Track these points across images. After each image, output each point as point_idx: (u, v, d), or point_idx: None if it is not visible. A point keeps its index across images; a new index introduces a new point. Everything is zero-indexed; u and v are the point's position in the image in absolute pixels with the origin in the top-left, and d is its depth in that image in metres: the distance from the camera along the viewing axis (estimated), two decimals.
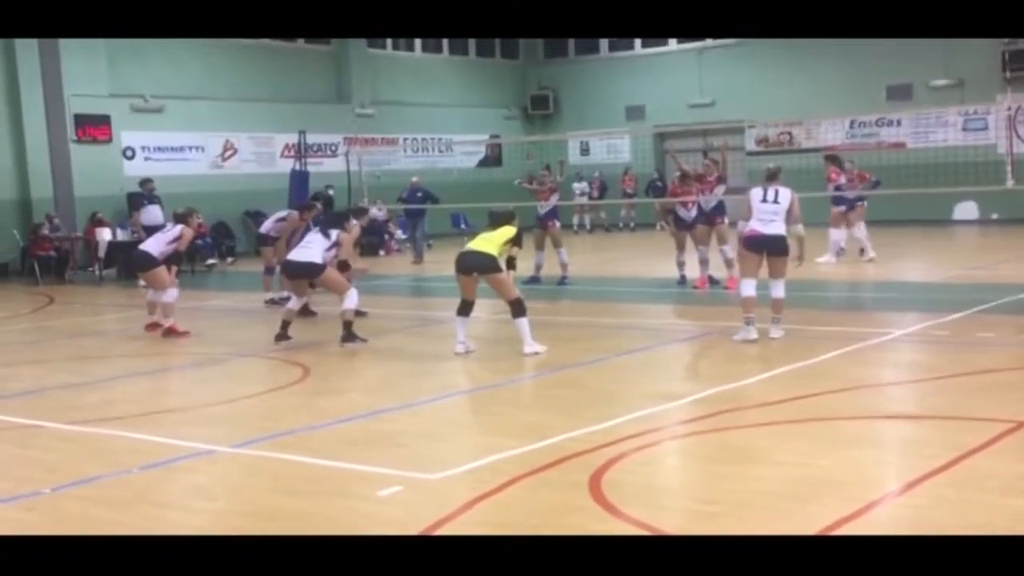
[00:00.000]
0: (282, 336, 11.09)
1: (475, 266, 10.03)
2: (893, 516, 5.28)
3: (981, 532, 4.86)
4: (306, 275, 11.15)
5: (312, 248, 11.05)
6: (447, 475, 6.13)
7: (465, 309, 10.17)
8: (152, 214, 19.65)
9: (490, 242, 10.10)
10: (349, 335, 10.82)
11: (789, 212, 10.25)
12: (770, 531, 4.95)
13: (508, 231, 10.16)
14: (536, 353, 9.87)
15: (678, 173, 15.62)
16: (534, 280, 15.87)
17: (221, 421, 8.07)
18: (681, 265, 14.96)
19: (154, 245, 12.64)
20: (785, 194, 10.28)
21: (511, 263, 10.29)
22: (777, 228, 10.19)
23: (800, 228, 10.61)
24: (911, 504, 5.39)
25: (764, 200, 10.25)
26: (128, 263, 20.61)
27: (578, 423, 7.13)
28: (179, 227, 12.65)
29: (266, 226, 15.27)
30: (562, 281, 15.74)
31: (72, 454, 7.20)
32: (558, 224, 16.49)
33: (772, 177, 10.50)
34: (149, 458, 6.84)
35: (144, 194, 20.23)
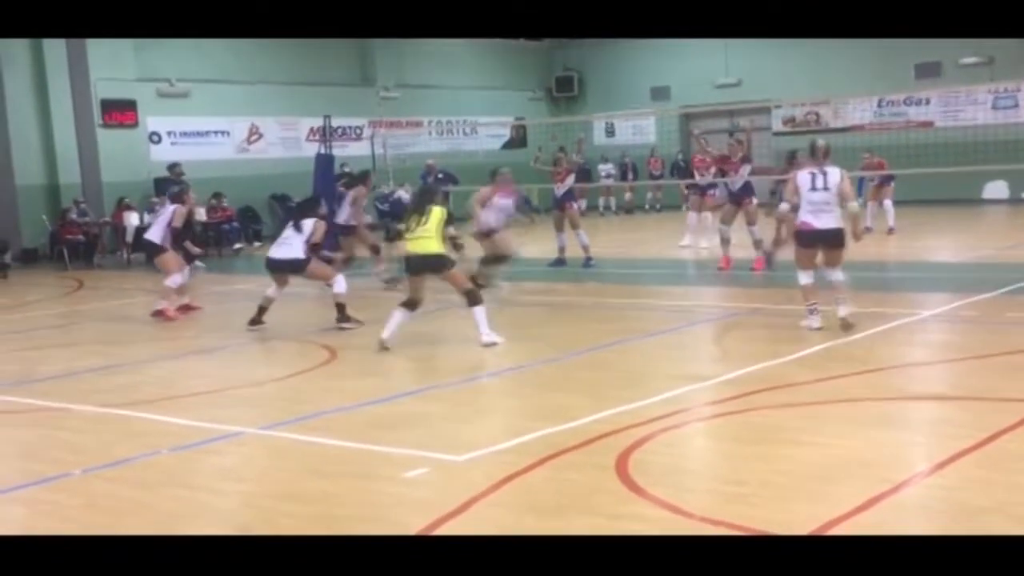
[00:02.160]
0: (256, 321, 11.21)
1: (426, 268, 9.78)
2: (921, 497, 5.25)
3: (1011, 512, 4.83)
4: (289, 271, 11.21)
5: (291, 244, 11.07)
6: (473, 456, 6.15)
7: (411, 305, 9.86)
8: None
9: (431, 239, 9.70)
10: (344, 317, 10.97)
11: (840, 193, 9.49)
12: (797, 512, 4.93)
13: (439, 213, 9.78)
14: (494, 343, 9.58)
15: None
16: (559, 263, 15.87)
17: (248, 403, 8.12)
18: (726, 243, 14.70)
19: (156, 232, 12.86)
20: (834, 175, 9.47)
21: (456, 246, 10.21)
22: (831, 220, 9.44)
23: (854, 205, 9.75)
24: (940, 485, 5.35)
25: (813, 188, 9.41)
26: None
27: (604, 405, 7.12)
28: (171, 207, 12.83)
29: (343, 216, 15.21)
30: (587, 263, 15.70)
31: (102, 436, 7.26)
32: (575, 206, 16.62)
33: (823, 155, 9.62)
34: (178, 440, 6.89)
35: (172, 179, 20.33)
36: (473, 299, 9.79)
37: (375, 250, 15.03)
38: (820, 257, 9.69)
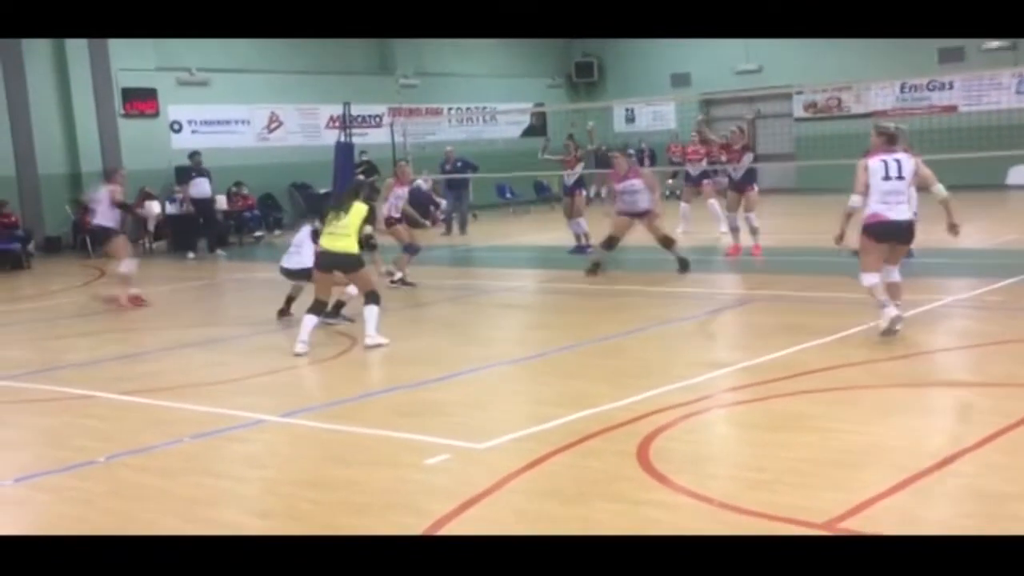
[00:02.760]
0: (285, 312, 11.12)
1: (336, 266, 9.59)
2: (944, 484, 5.23)
3: None
4: (303, 278, 10.89)
5: (303, 253, 10.82)
6: (494, 444, 6.16)
7: (317, 308, 9.57)
8: (201, 187, 19.94)
9: (347, 236, 9.47)
10: (335, 313, 10.67)
11: (920, 179, 8.75)
12: (820, 499, 4.92)
13: (360, 210, 9.57)
14: (379, 345, 9.40)
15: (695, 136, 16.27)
16: (580, 250, 15.90)
17: (269, 391, 8.15)
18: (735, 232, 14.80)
19: (103, 216, 13.07)
20: (908, 165, 8.56)
21: (370, 243, 10.04)
22: (904, 212, 8.57)
23: (941, 189, 8.69)
24: (962, 472, 5.33)
25: (887, 177, 8.46)
26: (176, 236, 20.96)
27: (625, 392, 7.12)
28: (104, 189, 13.16)
29: (388, 208, 15.19)
30: (583, 250, 15.90)
31: (125, 424, 7.31)
32: (584, 193, 17.03)
33: (891, 141, 8.71)
34: (200, 428, 6.93)
35: (192, 167, 20.42)
36: (372, 299, 9.56)
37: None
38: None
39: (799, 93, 27.14)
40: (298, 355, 9.20)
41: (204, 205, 20.07)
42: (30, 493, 5.88)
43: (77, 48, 21.81)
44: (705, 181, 18.43)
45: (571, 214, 16.51)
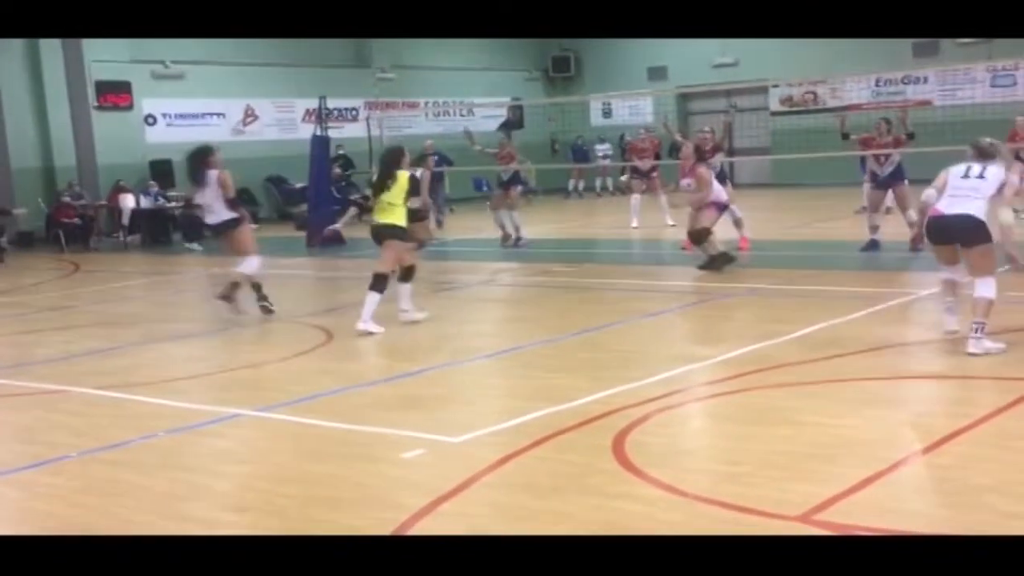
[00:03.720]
0: (228, 297, 10.85)
1: (387, 237, 9.70)
2: (919, 476, 5.26)
3: (1009, 491, 4.84)
4: (231, 227, 10.92)
5: (216, 208, 10.83)
6: (471, 437, 6.15)
7: (378, 284, 9.63)
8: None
9: (395, 207, 9.63)
10: (230, 295, 10.70)
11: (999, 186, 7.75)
12: (794, 492, 4.94)
13: (403, 181, 9.64)
14: (416, 321, 9.75)
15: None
16: (516, 242, 16.39)
17: (246, 386, 8.11)
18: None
19: (217, 208, 11.69)
20: (997, 173, 7.77)
21: (418, 215, 10.21)
22: (966, 206, 7.66)
23: (1007, 216, 7.79)
24: (936, 463, 5.36)
25: (966, 176, 7.83)
26: (151, 230, 20.84)
27: (601, 385, 7.12)
28: (212, 174, 12.38)
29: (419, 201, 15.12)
30: (516, 243, 16.27)
31: (99, 419, 7.26)
32: (519, 189, 17.32)
33: (983, 155, 7.92)
34: (175, 422, 6.89)
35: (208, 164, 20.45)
36: (407, 275, 9.88)
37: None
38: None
39: (775, 87, 27.23)
40: (362, 333, 9.40)
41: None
42: (1, 489, 5.83)
43: (50, 41, 21.63)
44: (654, 175, 18.97)
45: (497, 207, 16.85)
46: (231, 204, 10.86)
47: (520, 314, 10.58)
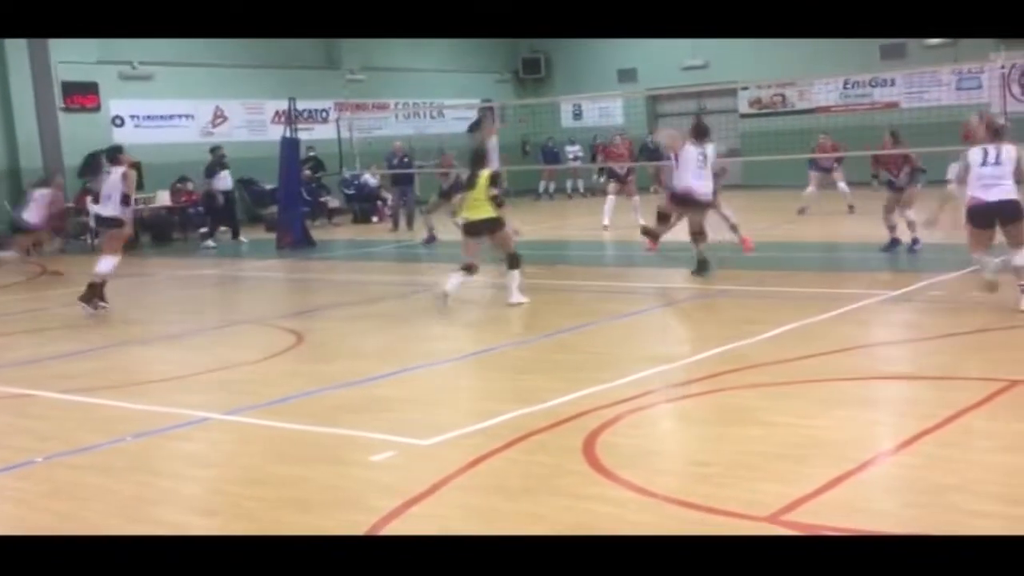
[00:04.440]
0: (89, 298, 11.52)
1: (483, 231, 10.83)
2: (887, 476, 5.30)
3: (975, 490, 4.88)
4: (114, 226, 11.75)
5: (113, 199, 11.53)
6: (441, 440, 6.13)
7: (469, 269, 10.79)
8: (225, 180, 20.52)
9: (483, 203, 10.72)
10: (89, 296, 11.42)
11: (1017, 171, 9.01)
12: (765, 492, 4.95)
13: (484, 177, 10.77)
14: (520, 304, 10.60)
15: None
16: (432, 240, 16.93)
17: (214, 389, 8.06)
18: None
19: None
20: (1009, 152, 8.99)
21: (497, 202, 10.80)
22: (1003, 192, 8.94)
23: None
24: (904, 463, 5.40)
25: (984, 163, 9.03)
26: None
27: (573, 387, 7.12)
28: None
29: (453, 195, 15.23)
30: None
31: (66, 423, 7.19)
32: (459, 196, 17.87)
33: (997, 134, 9.23)
34: (143, 426, 6.83)
35: (216, 161, 20.66)
36: (515, 263, 10.88)
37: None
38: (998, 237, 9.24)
39: (744, 89, 27.37)
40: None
41: (228, 197, 20.73)
42: None
43: (15, 41, 21.40)
44: (630, 178, 19.28)
45: (432, 210, 17.72)
46: (124, 201, 11.56)
47: (490, 315, 10.57)
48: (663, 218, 12.40)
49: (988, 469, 5.21)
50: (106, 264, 11.43)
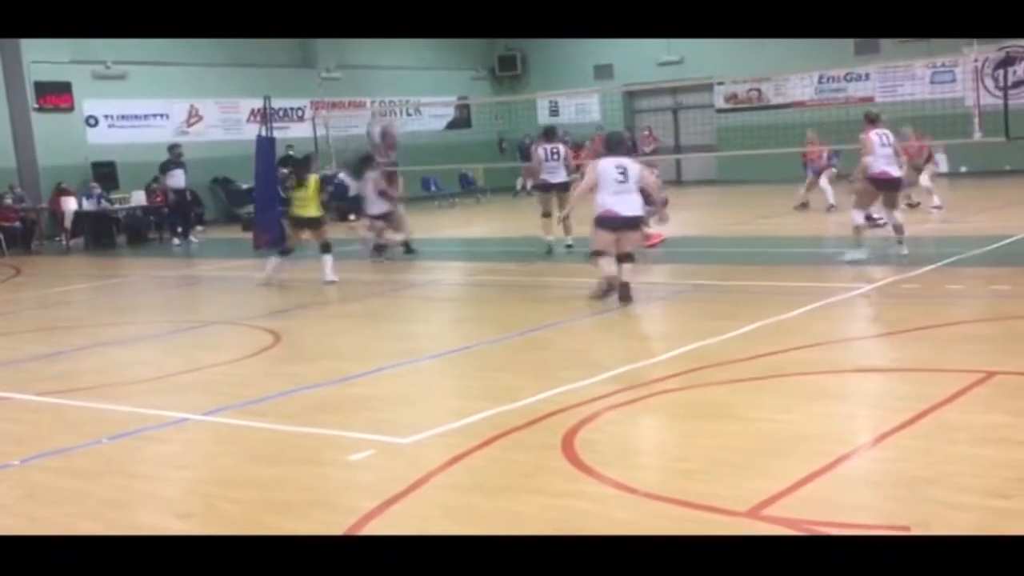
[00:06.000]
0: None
1: (307, 225, 13.31)
2: (863, 469, 5.32)
3: (950, 483, 4.91)
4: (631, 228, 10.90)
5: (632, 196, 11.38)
6: (419, 438, 6.12)
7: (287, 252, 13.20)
8: (177, 178, 20.54)
9: (311, 202, 13.14)
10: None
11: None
12: (742, 488, 4.96)
13: (315, 180, 13.29)
14: (333, 282, 12.38)
15: None
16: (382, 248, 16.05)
17: (191, 389, 8.02)
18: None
19: None
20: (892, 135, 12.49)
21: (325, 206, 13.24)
22: (897, 170, 12.45)
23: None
24: (880, 456, 5.43)
25: (884, 145, 12.20)
26: (93, 233, 20.59)
27: (550, 384, 7.12)
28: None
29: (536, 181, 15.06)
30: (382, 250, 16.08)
31: (41, 425, 7.14)
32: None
33: (875, 120, 12.50)
34: (119, 428, 6.79)
35: (172, 159, 20.66)
36: (327, 248, 12.94)
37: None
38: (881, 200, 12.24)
39: (720, 84, 27.47)
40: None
41: (180, 195, 20.69)
42: None
43: None
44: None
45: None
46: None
47: (468, 313, 10.56)
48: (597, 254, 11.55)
49: (965, 461, 5.24)
50: None
